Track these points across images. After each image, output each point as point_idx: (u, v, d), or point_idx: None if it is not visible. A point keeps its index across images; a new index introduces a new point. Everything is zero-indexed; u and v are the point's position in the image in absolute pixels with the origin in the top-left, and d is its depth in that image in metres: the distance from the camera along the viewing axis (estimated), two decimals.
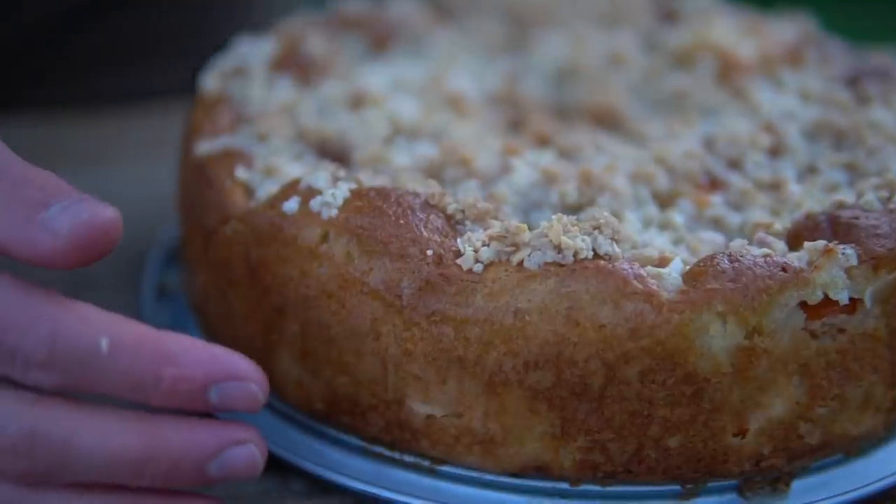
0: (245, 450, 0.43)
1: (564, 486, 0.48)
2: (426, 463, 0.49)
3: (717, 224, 0.52)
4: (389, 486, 0.49)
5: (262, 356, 0.51)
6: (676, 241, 0.51)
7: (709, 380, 0.46)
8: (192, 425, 0.43)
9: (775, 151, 0.57)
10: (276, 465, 0.51)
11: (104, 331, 0.42)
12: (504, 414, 0.47)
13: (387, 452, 0.49)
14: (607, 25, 0.71)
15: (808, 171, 0.56)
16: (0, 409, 0.42)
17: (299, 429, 0.51)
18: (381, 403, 0.49)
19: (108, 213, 0.43)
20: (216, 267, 0.52)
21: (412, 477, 0.49)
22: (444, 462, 0.49)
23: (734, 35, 0.67)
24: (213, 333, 0.55)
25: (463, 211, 0.49)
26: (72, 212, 0.42)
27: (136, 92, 0.79)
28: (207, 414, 0.44)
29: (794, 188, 0.53)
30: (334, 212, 0.49)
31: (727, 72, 0.63)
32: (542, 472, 0.48)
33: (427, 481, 0.49)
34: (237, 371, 0.43)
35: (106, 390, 0.42)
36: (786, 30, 0.68)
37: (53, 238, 0.42)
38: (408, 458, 0.49)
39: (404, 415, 0.48)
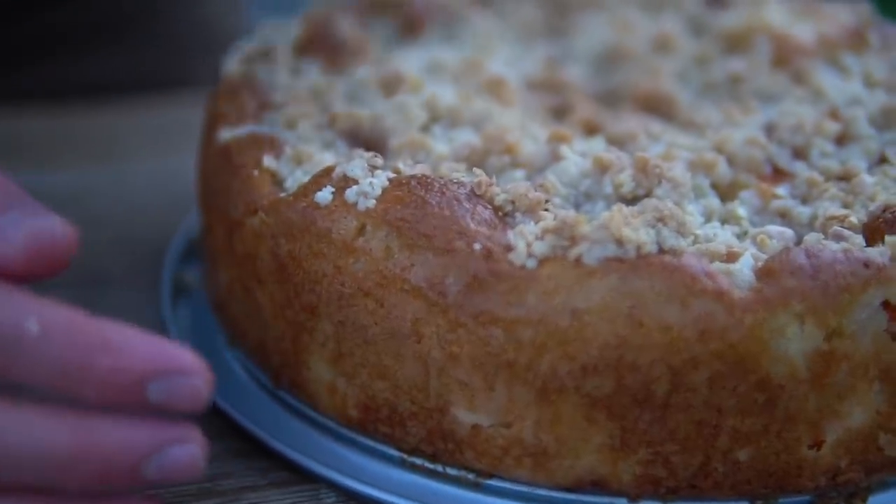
0: (185, 449, 0.39)
1: (623, 502, 0.44)
2: (471, 476, 0.45)
3: (783, 217, 0.48)
4: (430, 501, 0.45)
5: (291, 359, 0.47)
6: (741, 236, 0.47)
7: (783, 387, 0.42)
8: (128, 423, 0.39)
9: (842, 139, 0.53)
10: (306, 478, 0.47)
11: (33, 312, 0.38)
12: (558, 423, 0.43)
13: (428, 464, 0.46)
14: (650, 9, 0.67)
15: (880, 161, 0.52)
16: None
17: (332, 438, 0.47)
18: (423, 411, 0.45)
19: (63, 229, 0.40)
20: (242, 262, 0.48)
21: (455, 491, 0.45)
22: (490, 475, 0.45)
23: (788, 18, 0.63)
24: (236, 334, 0.52)
25: (513, 202, 0.45)
26: (27, 222, 0.39)
27: (104, 80, 0.75)
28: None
29: (866, 178, 0.49)
30: (372, 202, 0.45)
31: (784, 56, 0.59)
32: (598, 486, 0.44)
33: (472, 496, 0.45)
34: (180, 364, 0.39)
35: (33, 380, 0.38)
36: (842, 13, 0.64)
37: (5, 246, 0.39)
38: (451, 471, 0.45)
39: (448, 424, 0.44)
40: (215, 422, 0.50)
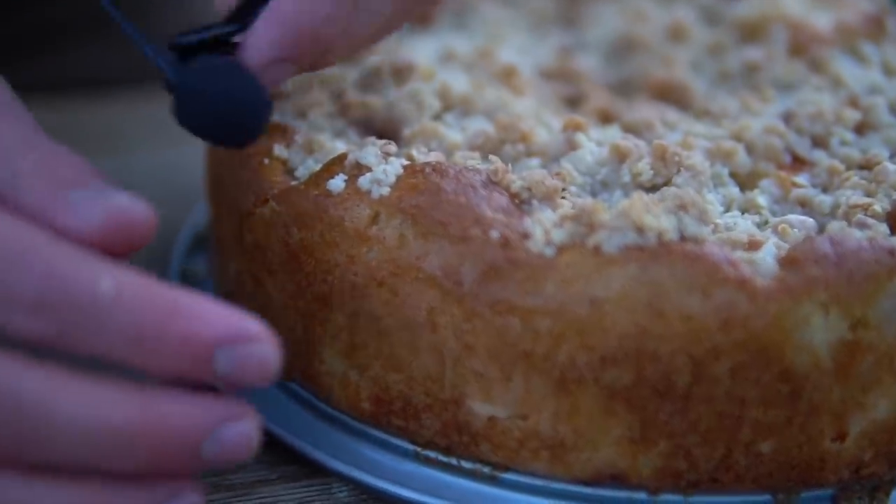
0: (240, 427, 0.38)
1: (642, 495, 0.43)
2: (486, 469, 0.44)
3: (804, 206, 0.47)
4: (445, 495, 0.44)
5: (302, 350, 0.46)
6: (761, 225, 0.46)
7: (807, 377, 0.41)
8: (188, 398, 0.37)
9: (862, 128, 0.52)
10: (318, 472, 0.46)
11: (107, 275, 0.36)
12: (576, 415, 0.42)
13: (442, 458, 0.45)
14: None
15: None
16: (15, 238, 0.36)
17: (344, 431, 0.46)
18: (437, 403, 0.44)
19: (143, 210, 0.38)
20: (252, 252, 0.47)
21: (471, 485, 0.44)
22: (506, 469, 0.44)
23: (804, 6, 0.62)
24: None
25: (529, 188, 0.44)
26: (105, 199, 0.38)
27: (105, 72, 0.74)
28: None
29: (889, 166, 0.48)
30: (386, 190, 0.44)
31: (802, 44, 0.58)
32: (617, 480, 0.43)
33: (487, 490, 0.44)
34: (251, 332, 0.37)
35: (102, 346, 0.36)
36: (860, 1, 0.63)
37: (80, 221, 0.37)
38: (466, 464, 0.44)
39: (463, 416, 0.43)
40: None
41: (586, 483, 0.43)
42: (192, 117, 0.42)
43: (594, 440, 0.42)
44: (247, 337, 0.37)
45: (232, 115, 0.42)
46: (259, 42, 0.42)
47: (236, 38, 0.43)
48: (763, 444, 0.42)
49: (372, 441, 0.46)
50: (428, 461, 0.45)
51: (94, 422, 0.36)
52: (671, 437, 0.42)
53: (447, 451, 0.44)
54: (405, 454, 0.45)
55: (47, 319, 0.36)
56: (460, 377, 0.43)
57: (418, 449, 0.45)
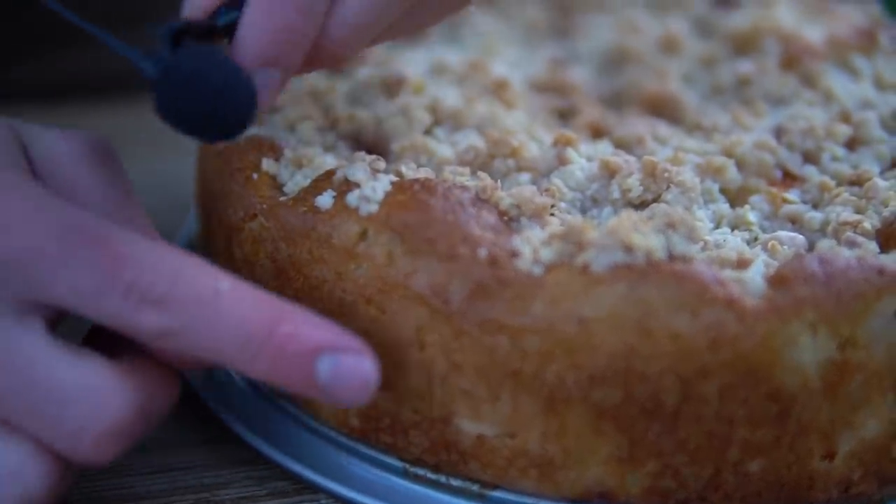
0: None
1: None
2: (475, 487, 0.44)
3: (794, 223, 0.47)
4: None
5: None
6: (751, 241, 0.46)
7: (796, 397, 0.41)
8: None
9: (853, 143, 0.52)
10: (307, 488, 0.46)
11: (225, 278, 0.41)
12: (564, 434, 0.42)
13: (431, 475, 0.44)
14: (655, 10, 0.66)
15: (892, 165, 0.51)
16: (147, 247, 0.40)
17: (332, 447, 0.46)
18: (426, 421, 0.43)
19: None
20: (241, 268, 0.47)
21: (459, 502, 0.44)
22: (495, 487, 0.44)
23: (797, 19, 0.62)
24: None
25: (518, 206, 0.43)
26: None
27: (104, 74, 0.73)
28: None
29: (879, 183, 0.48)
30: (374, 207, 0.43)
31: (794, 57, 0.58)
32: (605, 499, 0.43)
33: None
34: (353, 344, 0.40)
35: (213, 340, 0.40)
36: (852, 13, 0.63)
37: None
38: (454, 482, 0.44)
39: (451, 434, 0.43)
40: (213, 430, 0.49)
41: (574, 501, 0.43)
42: (173, 109, 0.40)
43: (583, 459, 0.42)
44: (351, 349, 0.40)
45: (214, 105, 0.40)
46: (246, 37, 0.42)
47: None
48: (752, 464, 0.42)
49: (360, 457, 0.45)
50: (417, 478, 0.45)
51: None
52: (659, 456, 0.42)
53: (436, 468, 0.44)
54: (394, 471, 0.45)
55: (171, 314, 0.39)
56: (448, 395, 0.43)
57: (407, 466, 0.45)
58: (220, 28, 0.42)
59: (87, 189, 0.44)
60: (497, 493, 0.44)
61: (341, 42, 0.43)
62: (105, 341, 0.42)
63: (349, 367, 0.40)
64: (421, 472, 0.45)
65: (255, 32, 0.41)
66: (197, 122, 0.41)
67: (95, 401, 0.39)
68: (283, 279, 0.45)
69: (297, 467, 0.46)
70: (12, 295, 0.40)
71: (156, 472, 0.47)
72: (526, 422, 0.42)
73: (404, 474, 0.45)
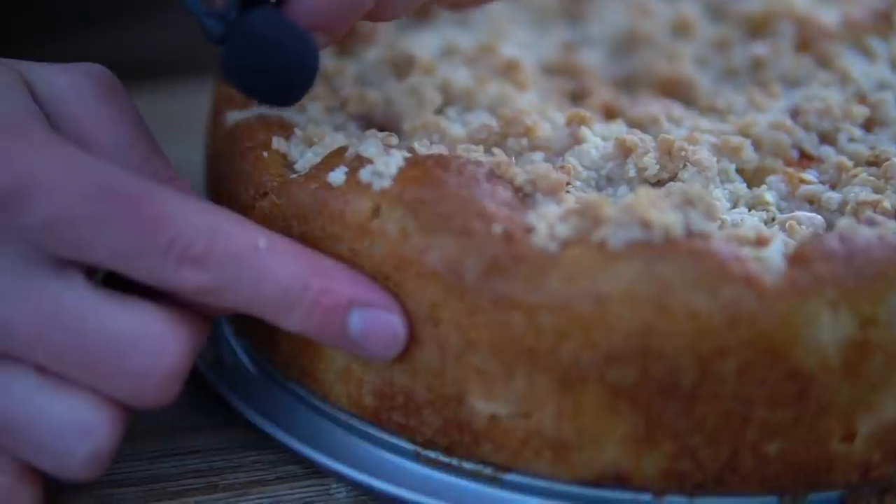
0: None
1: (647, 497, 0.42)
2: (488, 470, 0.43)
3: (812, 203, 0.47)
4: (446, 496, 0.43)
5: (303, 346, 0.46)
6: (768, 222, 0.45)
7: (815, 377, 0.40)
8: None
9: (870, 124, 0.51)
10: (317, 472, 0.45)
11: (262, 234, 0.41)
12: (580, 414, 0.41)
13: (443, 458, 0.44)
14: None
15: None
16: (185, 205, 0.40)
17: (343, 430, 0.45)
18: (439, 399, 0.43)
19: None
20: None
21: (472, 486, 0.43)
22: (508, 469, 0.43)
23: (811, 1, 0.61)
24: (244, 324, 0.50)
25: (533, 182, 0.43)
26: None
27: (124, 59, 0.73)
28: None
29: None
30: (387, 182, 0.43)
31: (809, 39, 0.57)
32: (621, 481, 0.42)
33: (489, 491, 0.43)
34: (384, 301, 0.42)
35: (251, 295, 0.41)
36: None
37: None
38: (467, 465, 0.43)
39: (464, 414, 0.43)
40: (222, 414, 0.48)
41: (590, 484, 0.42)
42: (241, 71, 0.40)
43: (598, 440, 0.41)
44: (383, 304, 0.41)
45: (282, 70, 0.41)
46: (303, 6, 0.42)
47: None
48: (770, 445, 0.41)
49: (371, 440, 0.45)
50: (428, 461, 0.44)
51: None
52: (676, 437, 0.41)
53: (448, 450, 0.44)
54: (405, 454, 0.44)
55: (211, 271, 0.40)
56: (462, 373, 0.42)
57: (419, 449, 0.44)
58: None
59: (97, 127, 0.43)
60: (510, 476, 0.43)
61: (394, 9, 0.44)
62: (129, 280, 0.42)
63: (379, 321, 0.41)
64: (433, 455, 0.44)
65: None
66: (263, 86, 0.41)
67: (154, 346, 0.40)
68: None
69: (307, 450, 0.45)
70: (49, 255, 0.40)
71: (165, 456, 0.46)
72: (540, 401, 0.41)
73: (416, 457, 0.44)
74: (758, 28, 0.60)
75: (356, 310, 0.41)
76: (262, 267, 0.41)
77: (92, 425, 0.40)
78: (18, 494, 0.41)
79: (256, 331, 0.49)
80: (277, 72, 0.41)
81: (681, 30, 0.61)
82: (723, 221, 0.44)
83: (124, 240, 0.39)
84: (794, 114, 0.52)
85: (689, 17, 0.61)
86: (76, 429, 0.40)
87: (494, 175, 0.43)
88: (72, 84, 0.44)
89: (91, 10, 0.76)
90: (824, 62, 0.56)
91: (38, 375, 0.40)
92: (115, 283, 0.41)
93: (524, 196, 0.43)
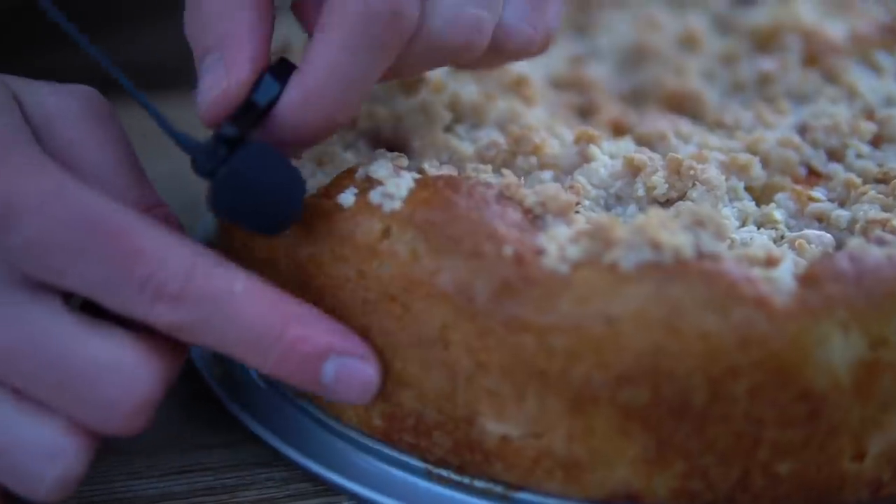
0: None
1: None
2: (499, 488, 0.43)
3: (821, 221, 0.47)
4: None
5: None
6: (777, 240, 0.45)
7: (826, 397, 0.41)
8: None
9: (878, 141, 0.51)
10: (328, 489, 0.45)
11: (240, 277, 0.41)
12: (591, 435, 0.41)
13: (454, 476, 0.44)
14: (674, 6, 0.66)
15: None
16: (165, 241, 0.40)
17: (354, 448, 0.45)
18: (450, 421, 0.43)
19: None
20: (260, 267, 0.46)
21: None
22: (520, 488, 0.43)
23: (818, 15, 0.62)
24: None
25: (543, 203, 0.43)
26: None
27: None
28: None
29: None
30: (397, 204, 0.43)
31: (816, 54, 0.57)
32: (632, 500, 0.42)
33: None
34: (361, 350, 0.42)
35: (225, 338, 0.41)
36: (874, 9, 0.62)
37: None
38: (478, 484, 0.43)
39: (475, 434, 0.43)
40: (234, 431, 0.48)
41: (601, 503, 0.42)
42: (229, 206, 0.41)
43: (609, 460, 0.41)
44: (357, 353, 0.42)
45: (269, 205, 0.42)
46: (284, 126, 0.42)
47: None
48: (781, 465, 0.41)
49: (382, 458, 0.45)
50: (440, 479, 0.44)
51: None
52: (687, 457, 0.41)
53: (459, 469, 0.44)
54: (416, 472, 0.44)
55: (185, 310, 0.40)
56: (473, 395, 0.42)
57: (430, 467, 0.44)
58: (263, 108, 0.42)
59: (83, 151, 0.43)
60: (521, 495, 0.43)
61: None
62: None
63: (353, 370, 0.42)
64: (444, 473, 0.44)
65: (292, 122, 0.42)
66: (250, 222, 0.42)
67: (125, 375, 0.40)
68: (303, 277, 0.45)
69: (318, 468, 0.45)
70: (27, 277, 0.40)
71: (175, 474, 0.46)
72: (552, 422, 0.41)
73: (427, 475, 0.44)
74: (765, 42, 0.60)
75: (331, 358, 0.41)
76: (237, 311, 0.40)
77: (61, 450, 0.40)
78: None
79: None
80: (264, 209, 0.41)
81: (688, 43, 0.61)
82: (732, 241, 0.44)
83: (101, 271, 0.39)
84: (802, 130, 0.52)
85: (697, 30, 0.61)
86: (45, 453, 0.40)
87: (504, 196, 0.43)
88: (62, 105, 0.44)
89: (94, 15, 0.76)
90: (832, 77, 0.56)
91: (12, 397, 0.40)
92: (92, 306, 0.41)
93: (534, 217, 0.43)
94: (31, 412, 0.40)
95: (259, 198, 0.41)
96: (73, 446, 0.40)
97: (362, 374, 0.42)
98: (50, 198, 0.39)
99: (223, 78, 0.42)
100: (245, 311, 0.40)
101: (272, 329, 0.41)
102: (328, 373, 0.41)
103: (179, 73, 0.70)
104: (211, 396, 0.49)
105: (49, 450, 0.40)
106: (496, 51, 0.44)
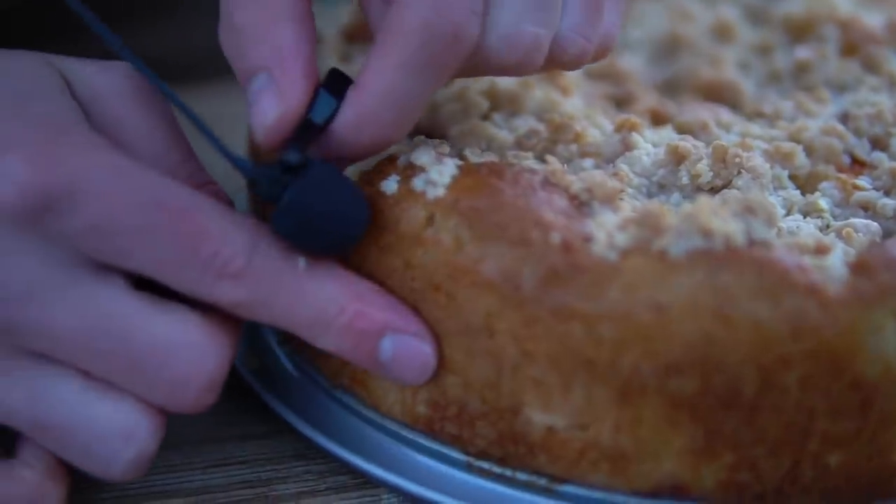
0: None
1: None
2: (542, 481, 0.43)
3: (866, 209, 0.46)
4: None
5: None
6: (823, 229, 0.45)
7: (878, 387, 0.40)
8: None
9: None
10: (367, 482, 0.45)
11: (303, 256, 0.41)
12: (638, 426, 0.41)
13: (496, 469, 0.43)
14: None
15: None
16: (226, 219, 0.40)
17: (393, 439, 0.45)
18: (493, 411, 0.42)
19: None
20: None
21: (526, 497, 0.43)
22: (564, 480, 0.42)
23: (853, 4, 0.61)
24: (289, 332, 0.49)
25: (589, 190, 0.42)
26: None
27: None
28: None
29: None
30: (441, 191, 0.42)
31: (854, 43, 0.57)
32: (679, 492, 0.41)
33: (543, 502, 0.42)
34: (417, 328, 0.42)
35: (287, 313, 0.41)
36: None
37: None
38: (521, 476, 0.43)
39: (520, 425, 0.42)
40: (270, 423, 0.47)
41: (646, 495, 0.42)
42: (295, 231, 0.41)
43: (656, 451, 0.41)
44: (417, 332, 0.41)
45: (334, 229, 0.41)
46: (342, 143, 0.41)
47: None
48: (831, 456, 0.41)
49: (423, 450, 0.44)
50: (481, 472, 0.43)
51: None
52: (736, 448, 0.40)
53: (502, 461, 0.43)
54: (457, 464, 0.44)
55: (249, 288, 0.40)
56: (518, 385, 0.41)
57: (471, 459, 0.43)
58: (321, 126, 0.41)
59: (135, 130, 0.43)
60: (565, 488, 0.42)
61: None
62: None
63: (410, 348, 0.41)
64: (485, 465, 0.43)
65: (347, 140, 0.41)
66: (315, 243, 0.41)
67: (195, 354, 0.40)
68: (346, 267, 0.44)
69: (357, 460, 0.45)
70: (90, 259, 0.40)
71: (213, 466, 0.46)
72: (598, 413, 0.41)
73: (468, 468, 0.44)
74: (800, 32, 0.59)
75: (388, 335, 0.41)
76: (300, 287, 0.41)
77: (135, 430, 0.40)
78: (44, 492, 0.41)
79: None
80: (328, 233, 0.41)
81: (721, 34, 0.60)
82: (779, 229, 0.43)
83: (166, 252, 0.39)
84: (844, 119, 0.51)
85: (729, 20, 0.61)
86: (119, 433, 0.40)
87: (549, 183, 0.42)
88: (109, 83, 0.43)
89: (112, 9, 0.75)
90: (871, 66, 0.55)
91: (82, 378, 0.40)
92: (149, 285, 0.41)
93: (580, 204, 0.42)
94: (102, 393, 0.40)
95: (324, 222, 0.41)
96: (146, 425, 0.40)
97: (419, 353, 0.41)
98: (112, 180, 0.39)
99: (278, 99, 0.40)
100: (307, 287, 0.40)
101: (332, 305, 0.41)
102: (386, 349, 0.41)
103: (195, 68, 0.70)
104: (246, 388, 0.48)
105: (123, 429, 0.40)
106: (550, 62, 0.44)
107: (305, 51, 0.41)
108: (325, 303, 0.41)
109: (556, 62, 0.44)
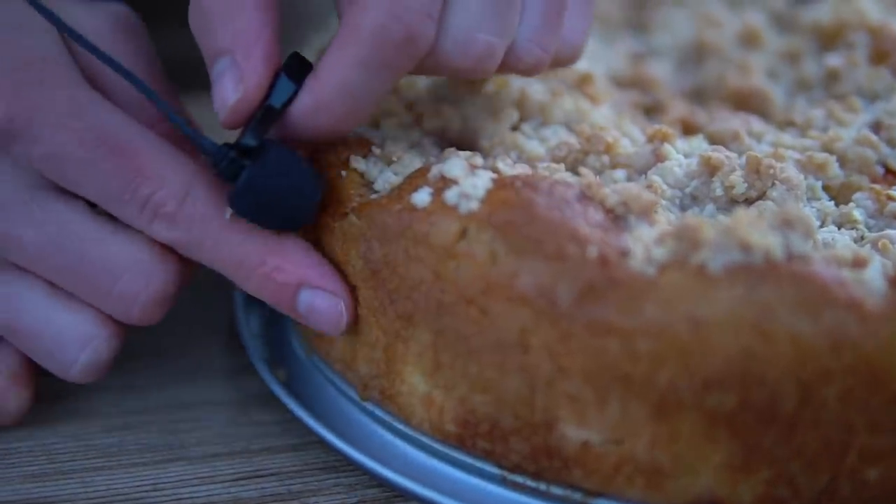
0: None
1: None
2: (577, 495, 0.42)
3: None
4: None
5: (383, 369, 0.45)
6: (858, 240, 0.44)
7: None
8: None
9: None
10: (398, 496, 0.45)
11: (229, 206, 0.44)
12: (675, 441, 0.40)
13: (530, 483, 0.43)
14: (731, 4, 0.65)
15: None
16: (167, 161, 0.43)
17: (425, 453, 0.44)
18: (527, 427, 0.42)
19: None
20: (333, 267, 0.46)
21: None
22: (599, 495, 0.42)
23: (882, 11, 0.60)
24: (318, 343, 0.49)
25: (625, 203, 0.42)
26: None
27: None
28: None
29: None
30: (475, 204, 0.42)
31: (885, 51, 0.56)
32: None
33: None
34: (333, 285, 0.44)
35: (213, 259, 0.44)
36: None
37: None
38: (555, 490, 0.42)
39: (554, 440, 0.42)
40: (300, 436, 0.47)
41: None
42: (249, 209, 0.43)
43: (693, 467, 0.40)
44: (331, 288, 0.44)
45: (288, 208, 0.44)
46: (297, 127, 0.43)
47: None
48: (870, 471, 0.40)
49: (455, 464, 0.44)
50: (515, 486, 0.43)
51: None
52: (774, 463, 0.40)
53: (536, 475, 0.43)
54: (491, 478, 0.43)
55: (179, 230, 0.44)
56: (552, 400, 0.41)
57: (505, 473, 0.43)
58: (279, 110, 0.43)
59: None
60: (601, 502, 0.42)
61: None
62: None
63: (324, 303, 0.44)
64: (520, 479, 0.43)
65: (303, 125, 0.43)
66: (269, 221, 0.44)
67: (142, 273, 0.44)
68: (377, 279, 0.44)
69: (389, 473, 0.44)
70: (52, 182, 0.44)
71: (243, 479, 0.45)
72: (635, 428, 0.40)
73: (502, 482, 0.43)
74: (829, 39, 0.59)
75: (305, 289, 0.44)
76: (224, 237, 0.44)
77: (92, 339, 0.45)
78: (8, 396, 0.46)
79: (331, 350, 0.48)
80: (281, 211, 0.44)
81: (749, 40, 0.60)
82: (815, 241, 0.43)
83: (108, 186, 0.43)
84: (877, 128, 0.51)
85: (757, 27, 0.60)
86: (78, 340, 0.45)
87: (585, 196, 0.42)
88: (95, 24, 0.46)
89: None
90: None
91: (47, 288, 0.45)
92: None
93: (616, 218, 0.42)
94: (65, 303, 0.45)
95: (278, 201, 0.43)
96: (102, 334, 0.45)
97: (331, 309, 0.44)
98: (68, 115, 0.42)
99: (239, 82, 0.42)
100: (231, 238, 0.43)
101: (254, 256, 0.44)
102: (303, 301, 0.44)
103: (194, 71, 0.70)
104: (274, 401, 0.48)
105: (82, 337, 0.45)
106: (505, 68, 0.45)
107: (268, 36, 0.43)
108: (246, 253, 0.44)
109: (511, 69, 0.45)
